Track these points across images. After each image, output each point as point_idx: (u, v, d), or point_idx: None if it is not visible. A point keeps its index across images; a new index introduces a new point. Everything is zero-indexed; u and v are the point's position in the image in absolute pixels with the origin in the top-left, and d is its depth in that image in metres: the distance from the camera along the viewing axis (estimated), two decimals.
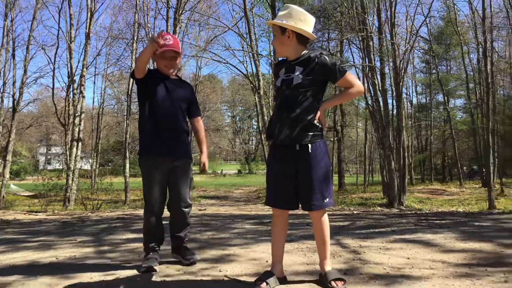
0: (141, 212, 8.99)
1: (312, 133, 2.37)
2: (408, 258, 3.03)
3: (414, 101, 34.57)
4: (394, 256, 3.13)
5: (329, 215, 2.51)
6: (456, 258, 3.02)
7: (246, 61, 23.12)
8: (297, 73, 2.39)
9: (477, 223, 5.00)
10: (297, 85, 2.37)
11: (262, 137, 24.41)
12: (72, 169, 15.74)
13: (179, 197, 2.93)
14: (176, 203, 2.95)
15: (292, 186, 2.41)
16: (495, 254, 3.14)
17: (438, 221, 5.36)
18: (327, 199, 2.39)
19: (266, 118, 17.83)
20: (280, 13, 2.44)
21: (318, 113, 2.40)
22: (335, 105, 23.14)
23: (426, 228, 4.56)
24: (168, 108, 2.89)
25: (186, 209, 2.98)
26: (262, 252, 3.34)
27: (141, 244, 3.85)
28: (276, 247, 2.52)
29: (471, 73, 25.39)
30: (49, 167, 44.74)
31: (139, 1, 19.34)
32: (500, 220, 5.37)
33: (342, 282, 2.35)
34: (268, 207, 2.56)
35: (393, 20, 14.39)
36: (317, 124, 2.39)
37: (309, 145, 2.36)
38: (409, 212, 8.50)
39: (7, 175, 17.73)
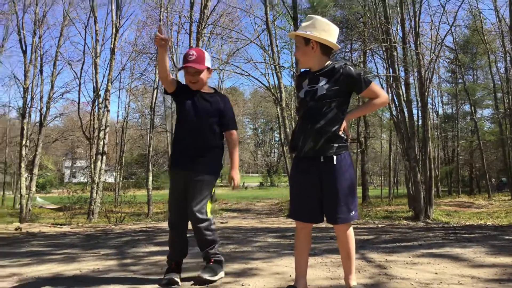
0: (164, 225, 9.03)
1: (337, 145, 2.32)
2: (436, 273, 2.93)
3: (440, 111, 33.96)
4: (422, 271, 3.03)
5: (353, 228, 2.44)
6: (486, 273, 2.90)
7: (268, 73, 23.20)
8: (321, 84, 2.35)
9: (507, 237, 4.82)
10: (322, 96, 2.33)
11: (284, 149, 24.35)
12: (96, 182, 16.01)
13: (191, 213, 2.88)
14: (190, 218, 2.91)
15: (317, 198, 2.35)
16: None
17: (466, 235, 5.19)
18: (353, 212, 2.33)
19: (288, 130, 17.78)
20: (304, 24, 2.42)
21: (343, 124, 2.36)
22: (359, 116, 22.97)
23: (454, 242, 4.41)
24: (192, 122, 2.91)
25: (200, 225, 2.87)
26: (285, 266, 3.28)
27: (164, 257, 3.85)
28: (299, 261, 2.46)
29: (499, 82, 24.80)
30: (74, 180, 45.63)
31: (162, 16, 19.73)
32: None
33: None
34: (290, 220, 2.51)
35: (417, 30, 14.22)
36: (342, 135, 2.35)
37: (334, 157, 2.31)
38: (436, 226, 8.28)
39: (34, 188, 18.14)
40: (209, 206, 2.92)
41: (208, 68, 2.99)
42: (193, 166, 2.87)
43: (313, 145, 2.33)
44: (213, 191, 2.95)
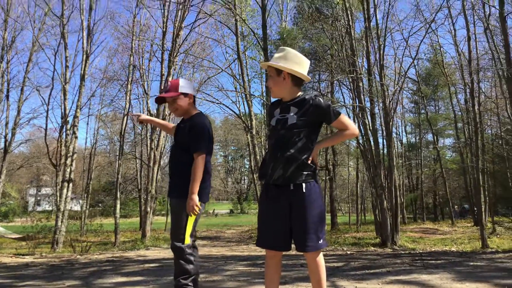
0: (131, 254, 8.81)
1: (306, 173, 2.37)
2: None
3: (404, 140, 34.91)
4: None
5: (323, 255, 2.47)
6: None
7: (239, 101, 23.40)
8: (292, 114, 2.42)
9: (472, 263, 4.96)
10: (292, 125, 2.40)
11: (254, 176, 24.34)
12: (62, 210, 15.50)
13: (170, 236, 2.92)
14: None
15: (285, 226, 2.37)
16: None
17: (433, 261, 5.31)
18: (322, 240, 2.36)
19: (258, 157, 17.89)
20: (276, 55, 2.50)
21: (313, 153, 2.41)
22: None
23: (421, 269, 4.51)
24: (171, 150, 3.16)
25: (174, 250, 2.89)
26: None
27: None
28: None
29: (459, 113, 25.82)
30: (39, 208, 43.98)
31: (134, 44, 19.74)
32: (495, 260, 5.34)
33: None
34: (261, 248, 2.52)
35: (382, 62, 14.76)
36: (311, 164, 2.40)
37: (303, 185, 2.36)
38: (403, 252, 8.42)
39: None
40: (187, 231, 2.88)
41: (184, 94, 3.05)
42: (169, 192, 3.00)
43: (282, 173, 2.37)
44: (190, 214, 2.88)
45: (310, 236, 2.33)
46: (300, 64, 2.47)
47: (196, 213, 2.88)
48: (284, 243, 2.40)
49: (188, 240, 2.87)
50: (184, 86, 3.06)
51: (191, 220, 2.89)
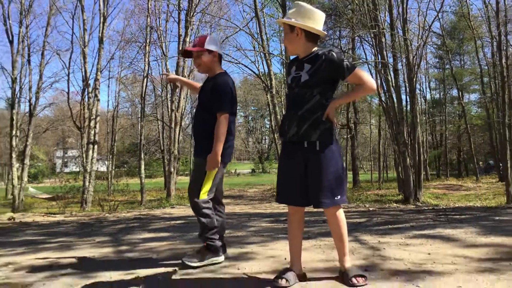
0: (157, 212, 9.06)
1: (320, 131, 2.34)
2: (429, 254, 2.99)
3: (428, 96, 34.21)
4: (415, 252, 3.10)
5: (345, 212, 2.47)
6: (478, 253, 2.97)
7: (258, 61, 23.13)
8: (305, 70, 2.37)
9: (497, 218, 4.92)
10: (305, 83, 2.36)
11: (275, 136, 24.40)
12: (88, 171, 15.94)
13: (188, 193, 2.99)
14: None
15: (301, 182, 2.38)
16: None
17: (457, 216, 5.29)
18: (338, 197, 2.34)
19: (279, 117, 17.83)
20: (290, 11, 2.43)
21: (327, 111, 2.36)
22: (348, 102, 23.03)
23: (446, 223, 4.50)
24: (196, 110, 3.15)
25: (193, 207, 2.94)
26: (280, 250, 3.33)
27: (159, 244, 3.89)
28: (293, 245, 2.50)
29: (486, 67, 24.99)
30: (66, 170, 45.33)
31: (150, 5, 19.50)
32: None
33: (363, 279, 2.33)
34: (283, 205, 2.55)
35: (405, 16, 14.24)
36: (326, 121, 2.36)
37: (317, 142, 2.34)
38: (426, 208, 8.40)
39: (25, 178, 18.02)
40: (204, 188, 2.90)
41: (209, 51, 3.00)
42: (194, 152, 3.04)
43: (296, 131, 2.36)
44: (210, 172, 2.90)
45: (325, 193, 2.32)
46: (313, 19, 2.38)
47: (215, 170, 2.89)
48: (301, 198, 2.41)
49: (203, 196, 2.89)
50: (210, 42, 3.01)
51: (209, 178, 2.90)
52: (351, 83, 2.46)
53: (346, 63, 2.33)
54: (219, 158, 2.84)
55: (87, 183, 15.64)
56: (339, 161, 2.39)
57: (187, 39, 16.62)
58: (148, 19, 19.65)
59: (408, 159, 13.58)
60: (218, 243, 2.94)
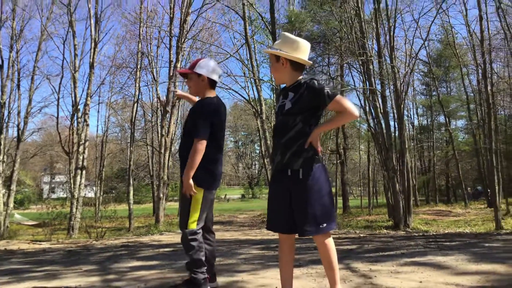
0: (145, 239, 8.92)
1: (303, 158, 2.36)
2: (421, 282, 2.98)
3: (416, 122, 34.59)
4: (406, 280, 3.08)
5: (335, 238, 2.48)
6: (469, 280, 2.96)
7: (248, 87, 23.31)
8: (289, 99, 2.43)
9: (487, 244, 4.93)
10: (287, 111, 2.40)
11: (265, 161, 24.40)
12: (76, 197, 15.72)
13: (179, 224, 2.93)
14: None
15: (288, 211, 2.39)
16: (508, 276, 3.08)
17: (447, 243, 5.29)
18: (324, 224, 2.33)
19: (269, 142, 17.85)
20: (276, 42, 2.52)
21: (310, 138, 2.37)
22: (336, 129, 23.21)
23: (436, 250, 4.50)
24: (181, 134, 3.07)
25: (181, 237, 2.88)
26: (271, 278, 3.28)
27: (146, 272, 3.83)
28: (284, 273, 2.48)
29: (472, 94, 25.45)
30: (53, 196, 44.62)
31: (142, 31, 19.69)
32: (510, 241, 5.31)
33: None
34: (273, 232, 2.54)
35: (392, 44, 14.57)
36: (309, 149, 2.37)
37: (300, 170, 2.35)
38: (416, 234, 8.41)
39: (11, 205, 17.67)
40: (192, 217, 2.83)
41: (198, 75, 2.98)
42: (181, 175, 2.90)
43: (280, 159, 2.40)
44: (195, 199, 2.84)
45: (309, 221, 2.32)
46: (298, 49, 2.45)
47: (199, 197, 2.82)
48: (288, 226, 2.41)
49: (192, 225, 2.82)
50: (201, 66, 2.99)
51: (195, 206, 2.84)
52: (333, 111, 2.46)
53: (326, 90, 2.36)
54: (190, 183, 2.77)
55: (74, 210, 15.39)
56: (323, 189, 2.38)
57: (178, 65, 16.77)
58: (139, 45, 19.80)
59: (397, 185, 13.64)
60: (201, 276, 2.83)
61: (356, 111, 2.41)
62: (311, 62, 2.64)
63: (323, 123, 2.63)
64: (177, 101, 17.11)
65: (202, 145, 2.80)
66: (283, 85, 2.63)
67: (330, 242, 2.39)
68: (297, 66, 2.48)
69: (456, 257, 3.92)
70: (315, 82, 2.38)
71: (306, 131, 2.38)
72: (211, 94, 3.03)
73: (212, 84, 3.05)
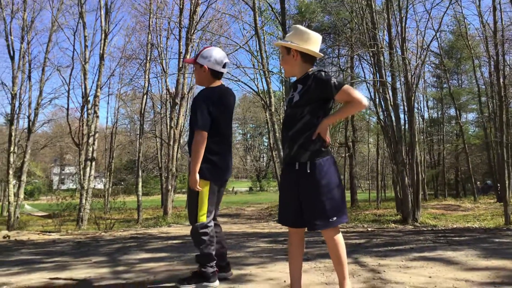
0: (154, 231, 8.97)
1: (310, 151, 2.34)
2: (430, 277, 2.96)
3: (426, 115, 34.26)
4: (415, 275, 3.06)
5: (343, 232, 2.45)
6: (479, 276, 2.93)
7: (257, 79, 23.21)
8: (297, 91, 2.42)
9: (497, 240, 4.88)
10: (296, 103, 2.39)
11: (273, 154, 24.37)
12: (85, 188, 15.85)
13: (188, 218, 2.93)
14: None
15: (297, 204, 2.38)
16: None
17: (456, 238, 5.24)
18: (334, 218, 2.31)
19: (277, 135, 17.83)
20: (287, 34, 2.50)
21: (318, 130, 2.35)
22: (344, 121, 23.10)
23: (446, 245, 4.46)
24: None
25: (191, 231, 2.88)
26: (279, 272, 3.28)
27: (155, 264, 3.84)
28: (293, 267, 2.47)
29: (483, 86, 25.16)
30: (63, 187, 45.14)
31: (152, 22, 19.68)
32: None
33: None
34: (281, 224, 2.54)
35: (403, 35, 14.39)
36: (316, 141, 2.35)
37: (308, 163, 2.33)
38: (424, 229, 8.35)
39: (22, 195, 17.87)
40: (202, 210, 2.83)
41: (200, 65, 2.95)
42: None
43: (288, 152, 2.40)
44: (201, 192, 2.82)
45: (318, 215, 2.31)
46: (308, 41, 2.43)
47: (198, 190, 2.79)
48: (298, 220, 2.40)
49: (202, 218, 2.81)
50: (203, 56, 2.95)
51: (202, 199, 2.82)
52: (340, 101, 2.44)
53: (333, 81, 2.34)
54: (196, 177, 2.75)
55: (83, 201, 15.53)
56: (332, 182, 2.35)
57: (188, 56, 16.75)
58: (149, 36, 19.83)
59: (406, 179, 13.54)
60: (210, 270, 2.83)
61: (364, 100, 2.36)
62: (322, 54, 2.60)
63: (331, 114, 2.61)
64: (187, 91, 17.14)
65: (202, 136, 2.77)
66: (293, 79, 2.61)
67: (339, 236, 2.37)
68: (308, 58, 2.45)
69: (466, 252, 3.88)
70: (322, 73, 2.37)
71: (313, 122, 2.36)
72: (215, 84, 3.00)
73: (216, 74, 2.99)
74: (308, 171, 2.32)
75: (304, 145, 2.34)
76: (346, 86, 2.36)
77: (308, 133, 2.35)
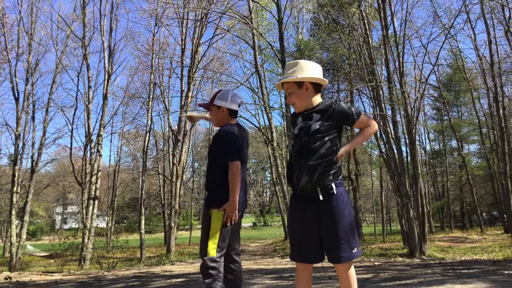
0: (156, 269, 8.84)
1: (332, 176, 2.36)
2: None
3: (428, 148, 34.35)
4: None
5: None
6: None
7: (258, 114, 23.49)
8: (314, 120, 2.43)
9: (506, 272, 4.81)
10: (315, 131, 2.40)
11: (276, 188, 24.30)
12: (88, 227, 15.74)
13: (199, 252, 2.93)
14: None
15: (316, 237, 2.34)
16: None
17: (465, 271, 5.17)
18: (355, 249, 2.32)
19: (280, 169, 17.84)
20: (288, 71, 2.50)
21: (338, 156, 2.42)
22: (347, 155, 23.12)
23: (454, 278, 4.39)
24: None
25: (200, 265, 2.87)
26: None
27: None
28: None
29: (483, 118, 25.33)
30: (65, 226, 44.75)
31: (154, 62, 20.09)
32: None
33: None
34: (286, 260, 2.52)
35: (401, 70, 14.60)
36: (337, 168, 2.40)
37: (333, 185, 2.34)
38: (432, 262, 8.22)
39: (24, 236, 17.73)
40: (211, 242, 2.83)
41: (218, 107, 3.12)
42: (205, 202, 3.03)
43: (308, 179, 2.35)
44: (213, 224, 2.84)
45: (342, 246, 2.28)
46: (316, 71, 2.51)
47: (219, 221, 2.84)
48: (316, 255, 2.37)
49: (212, 252, 2.80)
50: (220, 98, 3.13)
51: (214, 231, 2.83)
52: (357, 128, 2.55)
53: (353, 110, 2.45)
54: (236, 206, 2.83)
55: (86, 240, 15.40)
56: (351, 212, 2.38)
57: (190, 94, 17.02)
58: (152, 75, 20.19)
59: (411, 211, 13.41)
60: None
61: (375, 123, 2.55)
62: (328, 81, 2.71)
63: (350, 141, 2.65)
64: (190, 128, 17.30)
65: (237, 167, 2.89)
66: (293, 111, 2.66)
67: (352, 270, 2.36)
68: (317, 87, 2.52)
69: (475, 285, 3.82)
70: (342, 104, 2.47)
71: (333, 150, 2.41)
72: (232, 122, 3.16)
73: (232, 113, 3.17)
74: (334, 192, 2.33)
75: (325, 170, 2.36)
76: (362, 114, 2.49)
77: (330, 158, 2.38)
